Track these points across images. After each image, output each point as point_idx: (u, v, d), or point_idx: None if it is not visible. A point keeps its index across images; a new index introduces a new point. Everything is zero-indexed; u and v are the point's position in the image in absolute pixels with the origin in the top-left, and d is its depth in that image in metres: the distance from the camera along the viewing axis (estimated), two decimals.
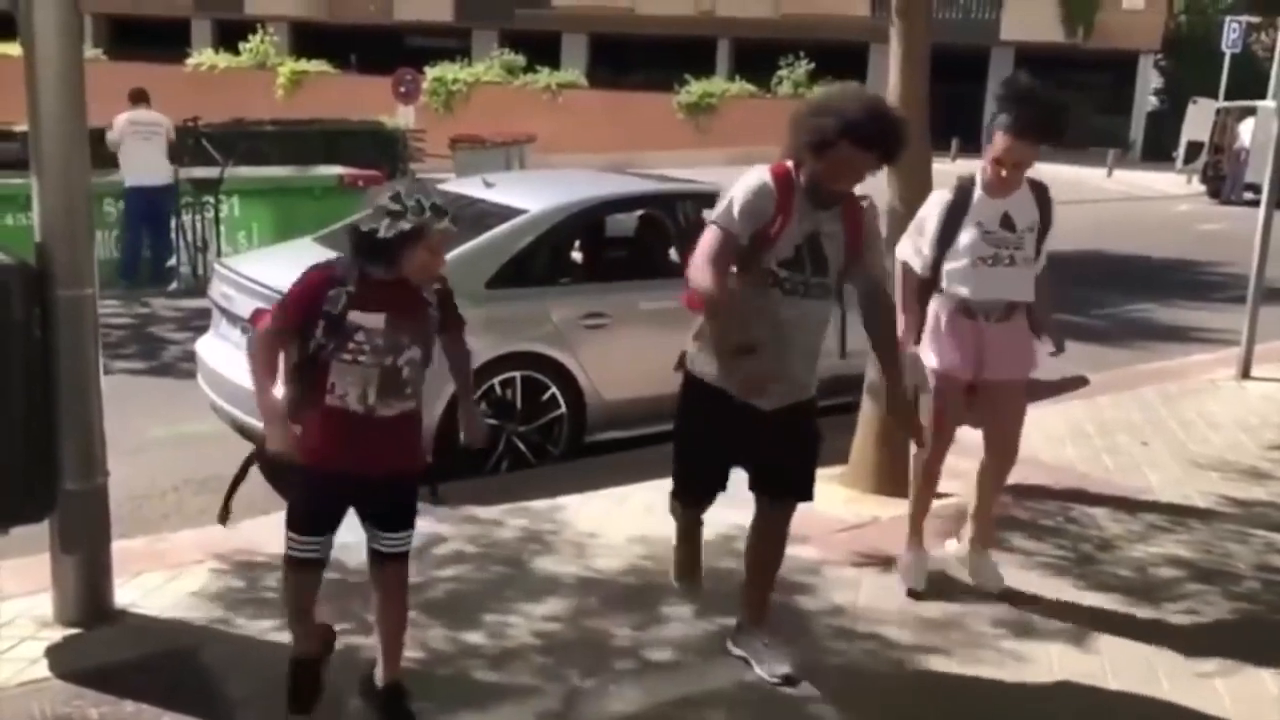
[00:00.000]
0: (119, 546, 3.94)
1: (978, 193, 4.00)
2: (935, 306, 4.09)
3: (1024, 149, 3.84)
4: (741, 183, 3.35)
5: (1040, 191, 4.06)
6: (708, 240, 3.30)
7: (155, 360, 7.99)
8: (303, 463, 2.94)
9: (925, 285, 4.09)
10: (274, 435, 2.91)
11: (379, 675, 3.23)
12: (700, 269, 3.24)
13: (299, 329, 2.87)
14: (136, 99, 10.84)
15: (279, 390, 2.95)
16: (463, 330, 3.19)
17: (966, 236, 3.96)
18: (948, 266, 4.02)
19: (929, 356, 4.09)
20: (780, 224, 3.28)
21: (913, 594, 4.18)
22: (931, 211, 4.06)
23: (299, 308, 2.87)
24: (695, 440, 3.57)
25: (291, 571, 3.10)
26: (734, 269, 3.31)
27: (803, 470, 3.59)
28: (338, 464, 2.93)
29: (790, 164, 3.36)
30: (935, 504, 4.44)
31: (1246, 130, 21.35)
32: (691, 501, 3.73)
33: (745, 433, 3.45)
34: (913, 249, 4.11)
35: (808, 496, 3.62)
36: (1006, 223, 3.97)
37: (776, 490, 3.61)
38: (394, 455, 2.99)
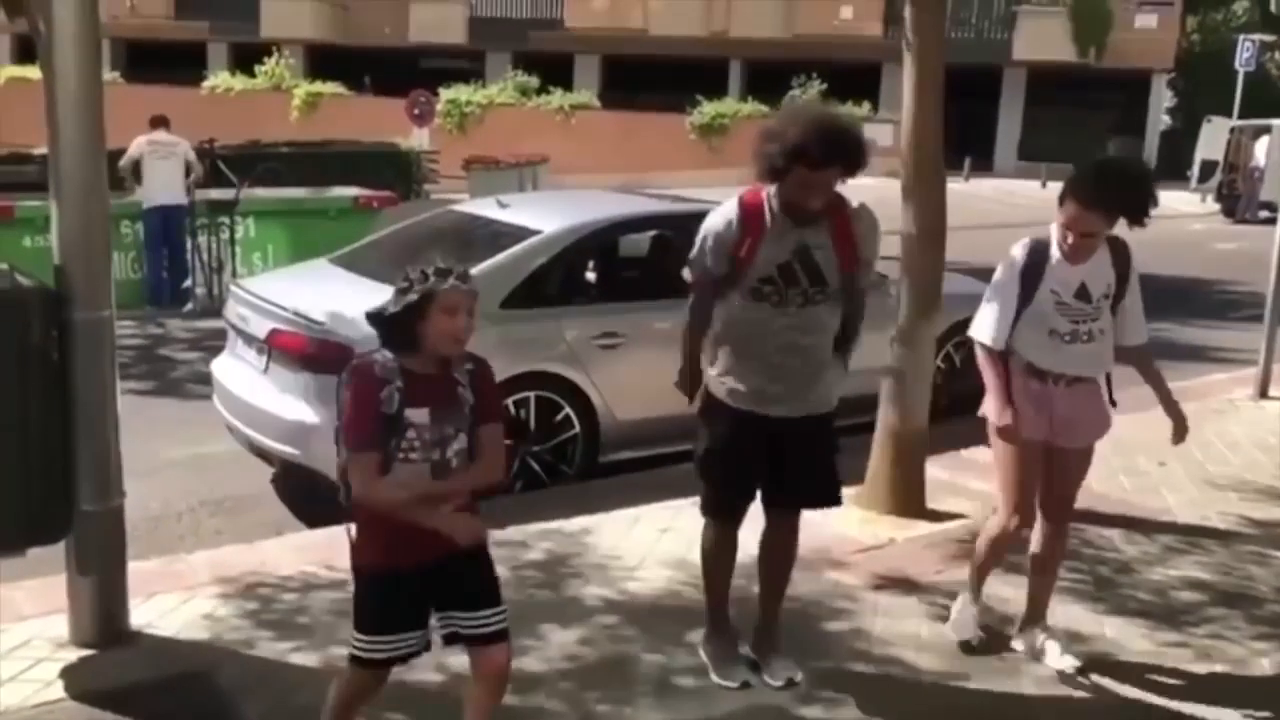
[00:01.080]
0: (134, 568, 3.94)
1: (1054, 254, 3.67)
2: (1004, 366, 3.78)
3: (1094, 220, 3.55)
4: (707, 221, 3.57)
5: (1119, 250, 3.74)
6: (691, 291, 3.64)
7: (171, 381, 8.02)
8: (372, 566, 2.81)
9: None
10: (455, 524, 2.75)
11: None
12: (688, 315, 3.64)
13: (379, 446, 2.70)
14: (155, 125, 11.00)
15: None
16: (498, 426, 2.92)
17: (1041, 305, 3.67)
18: (1020, 333, 3.72)
19: (998, 415, 3.72)
20: (750, 246, 3.42)
21: (966, 646, 3.98)
22: (1007, 278, 3.72)
23: (369, 420, 2.69)
24: (720, 456, 3.64)
25: (357, 672, 2.90)
26: (733, 294, 3.50)
27: (823, 478, 3.64)
28: (395, 564, 2.77)
29: (764, 190, 3.50)
30: (945, 527, 4.36)
31: (1261, 149, 21.28)
32: (725, 517, 3.74)
33: (761, 444, 3.55)
34: (991, 324, 3.74)
35: (834, 501, 3.71)
36: (1083, 293, 3.67)
37: (786, 500, 3.68)
38: (444, 542, 2.76)
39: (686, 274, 3.67)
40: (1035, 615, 3.99)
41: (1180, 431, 3.89)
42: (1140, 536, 5.08)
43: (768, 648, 3.77)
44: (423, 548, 2.72)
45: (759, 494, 3.68)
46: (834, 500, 3.71)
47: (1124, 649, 4.04)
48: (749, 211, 3.48)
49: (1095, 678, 3.81)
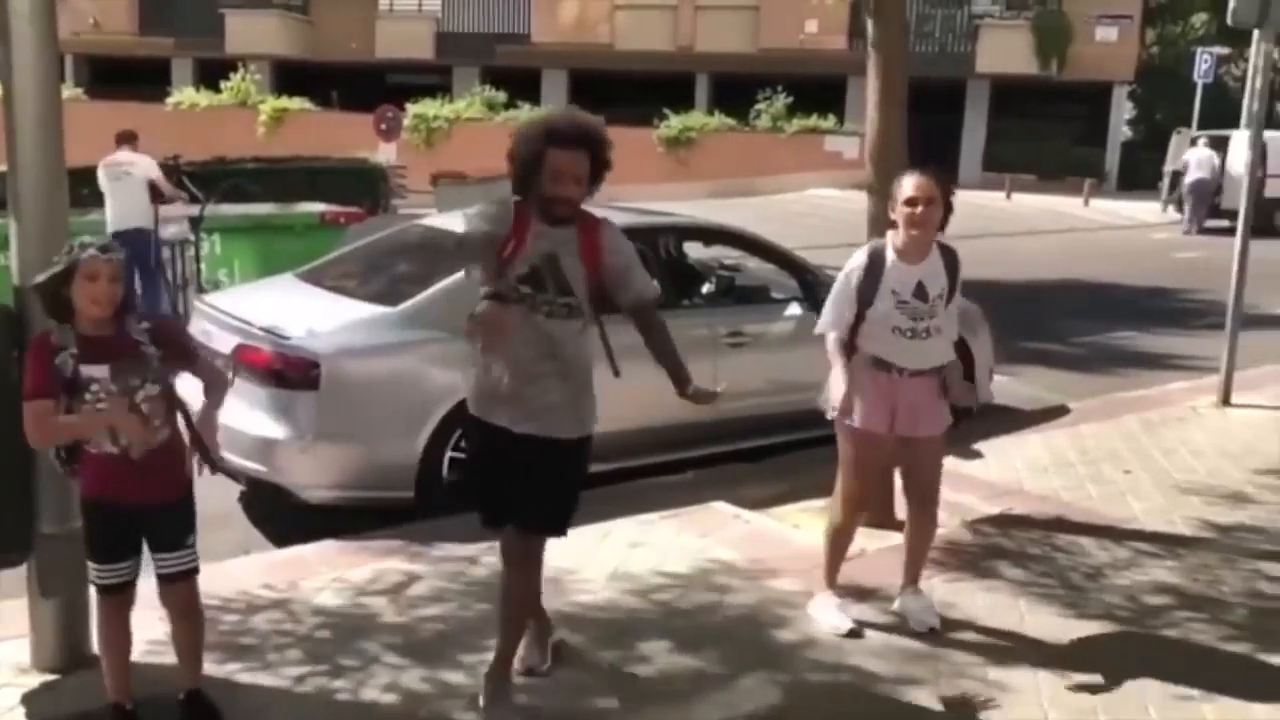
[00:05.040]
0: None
1: (890, 257, 4.03)
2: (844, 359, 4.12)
3: (924, 184, 3.93)
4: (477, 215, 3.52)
5: (950, 256, 4.09)
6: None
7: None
8: (86, 498, 3.28)
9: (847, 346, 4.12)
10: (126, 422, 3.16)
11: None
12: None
13: (51, 395, 3.13)
14: (120, 140, 10.46)
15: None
16: (196, 354, 3.45)
17: (883, 304, 4.00)
18: (865, 330, 4.06)
19: (842, 406, 4.08)
20: (514, 247, 3.40)
21: (853, 634, 4.13)
22: (845, 281, 4.09)
23: (40, 375, 3.13)
24: (475, 462, 3.72)
25: (101, 597, 3.33)
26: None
27: (548, 505, 3.53)
28: (112, 498, 3.22)
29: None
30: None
31: (1196, 159, 21.09)
32: (496, 527, 3.64)
33: (498, 454, 3.51)
34: (829, 319, 4.12)
35: (555, 531, 3.57)
36: (920, 292, 4.00)
37: (518, 520, 3.54)
38: (156, 487, 3.24)
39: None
40: (908, 580, 4.34)
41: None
42: (1109, 543, 5.12)
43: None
44: (130, 486, 3.19)
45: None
46: (550, 529, 3.58)
47: (1092, 652, 4.06)
48: (519, 211, 3.45)
49: (1062, 681, 3.83)
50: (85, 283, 3.09)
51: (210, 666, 3.73)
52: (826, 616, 4.22)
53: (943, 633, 4.17)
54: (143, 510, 3.24)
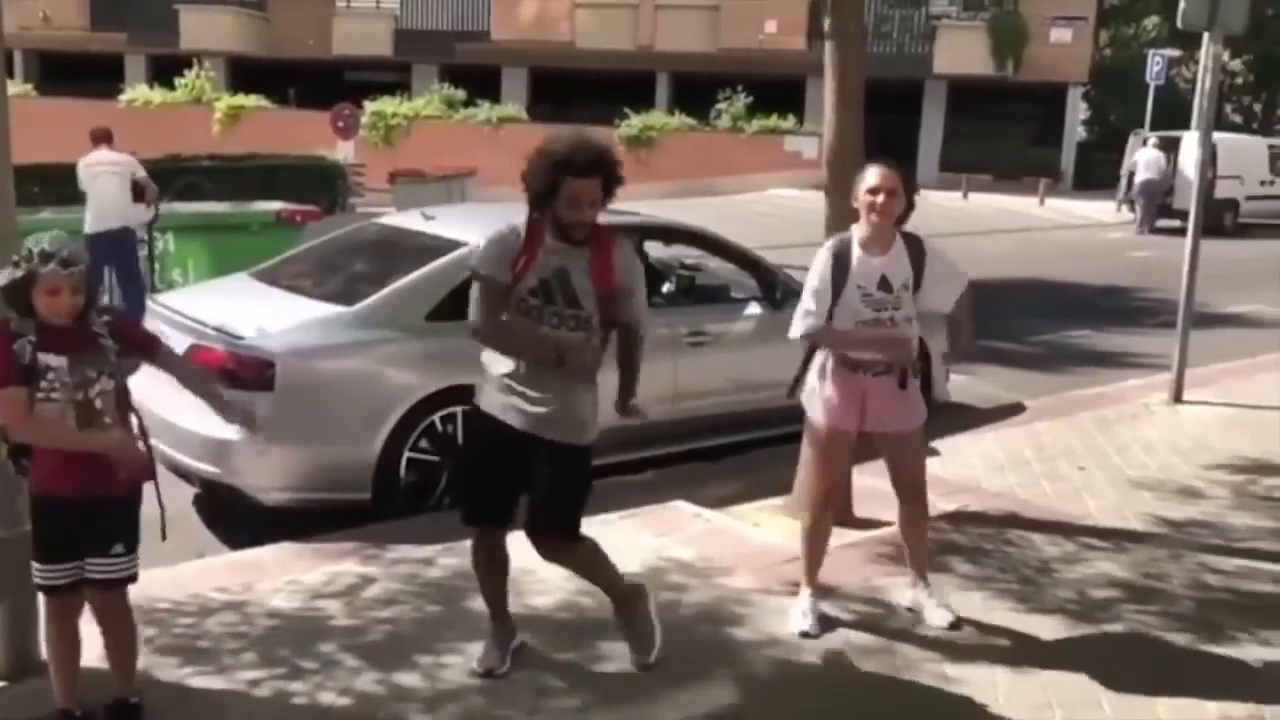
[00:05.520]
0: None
1: (856, 252, 4.08)
2: (819, 359, 4.19)
3: (885, 175, 4.00)
4: (494, 233, 3.69)
5: (914, 245, 4.13)
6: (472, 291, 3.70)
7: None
8: (35, 494, 3.23)
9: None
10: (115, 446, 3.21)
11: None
12: (471, 310, 3.68)
13: (20, 382, 3.09)
14: (98, 140, 10.09)
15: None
16: (155, 343, 3.48)
17: (847, 299, 4.05)
18: (833, 325, 4.10)
19: (814, 410, 4.19)
20: (525, 262, 3.58)
21: (806, 635, 4.13)
22: (819, 280, 4.11)
23: (5, 364, 3.08)
24: (474, 462, 3.84)
25: (48, 599, 3.29)
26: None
27: (556, 505, 3.69)
28: (58, 491, 3.18)
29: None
30: (872, 534, 4.47)
31: (1144, 160, 21.38)
32: (478, 524, 3.80)
33: (498, 451, 3.67)
34: (801, 323, 4.14)
35: (565, 528, 3.73)
36: (884, 284, 4.06)
37: (530, 522, 3.73)
38: (102, 479, 3.17)
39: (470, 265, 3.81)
40: (917, 575, 4.37)
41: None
42: (1061, 538, 5.18)
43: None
44: (77, 480, 3.13)
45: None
46: (557, 527, 3.74)
47: (1044, 644, 4.11)
48: (531, 228, 3.63)
49: (1015, 674, 3.88)
50: (44, 296, 3.07)
51: (163, 670, 3.70)
52: (801, 618, 4.19)
53: (900, 629, 4.20)
54: (89, 506, 3.19)
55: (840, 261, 4.07)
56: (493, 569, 3.84)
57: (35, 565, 3.27)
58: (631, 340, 3.82)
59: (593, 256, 3.62)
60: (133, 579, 3.31)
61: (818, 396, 4.18)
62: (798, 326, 4.16)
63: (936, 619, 4.23)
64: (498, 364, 3.68)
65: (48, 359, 3.09)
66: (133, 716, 3.40)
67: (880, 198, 3.99)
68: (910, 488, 4.30)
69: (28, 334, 3.09)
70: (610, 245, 3.66)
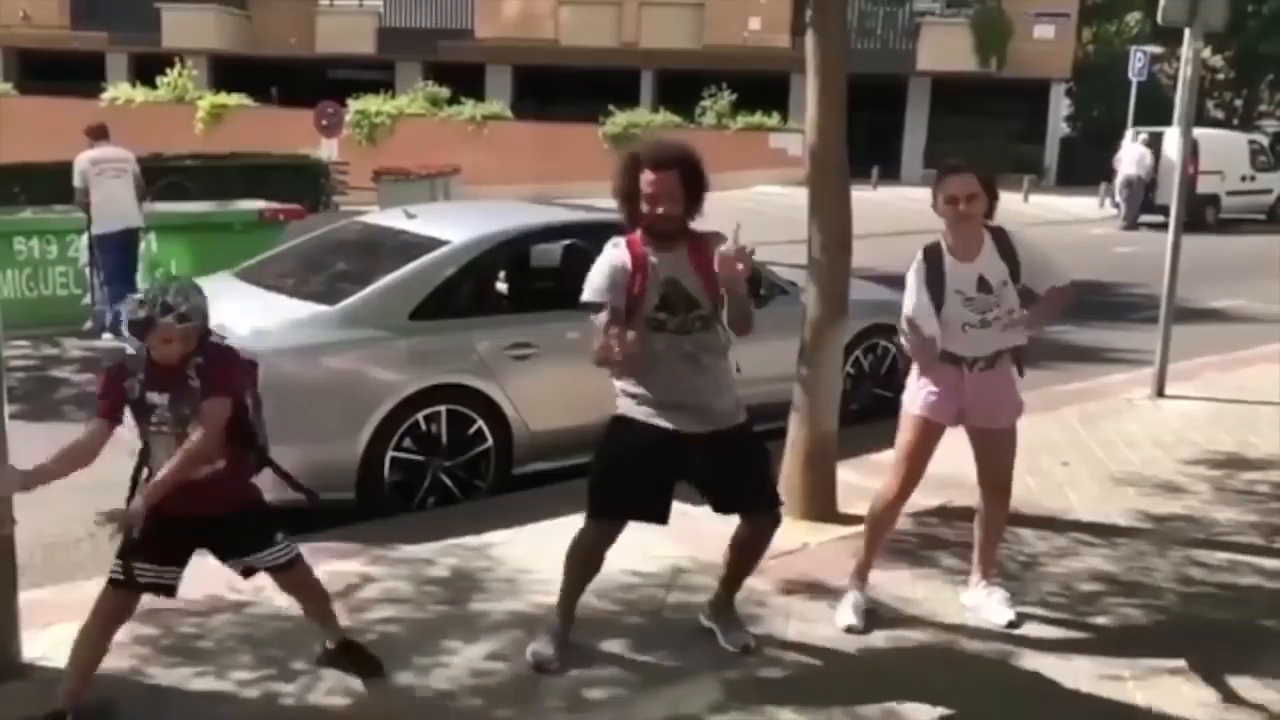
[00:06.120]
0: (28, 597, 3.82)
1: (948, 259, 4.04)
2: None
3: (966, 180, 3.98)
4: (597, 263, 3.76)
5: (1001, 239, 4.06)
6: (594, 321, 3.72)
7: (68, 401, 7.76)
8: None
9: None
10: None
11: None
12: (594, 338, 3.66)
13: (112, 416, 3.37)
14: (96, 136, 9.91)
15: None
16: (213, 400, 3.44)
17: (951, 306, 4.01)
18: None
19: (912, 402, 4.14)
20: (640, 281, 3.67)
21: (852, 630, 4.15)
22: (918, 291, 4.05)
23: (105, 399, 3.37)
24: (621, 466, 3.79)
25: (116, 592, 3.41)
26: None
27: (755, 484, 3.85)
28: (175, 513, 3.34)
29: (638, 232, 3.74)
30: (857, 530, 4.47)
31: (1127, 156, 21.46)
32: (611, 520, 3.84)
33: (669, 456, 3.71)
34: (914, 305, 4.06)
35: (776, 503, 3.94)
36: (983, 285, 4.01)
37: (742, 508, 3.88)
38: (215, 503, 3.42)
39: (585, 298, 3.80)
40: (984, 572, 4.38)
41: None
42: (1046, 532, 5.20)
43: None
44: (184, 509, 3.35)
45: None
46: (770, 505, 3.92)
47: (1030, 638, 4.13)
48: (633, 250, 3.71)
49: (1002, 668, 3.90)
50: (157, 342, 3.30)
51: (164, 670, 3.71)
52: (842, 607, 4.25)
53: (885, 625, 4.21)
54: (206, 521, 3.41)
55: (934, 271, 4.02)
56: (597, 565, 3.90)
57: (136, 564, 3.36)
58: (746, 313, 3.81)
59: (691, 257, 3.70)
60: (291, 562, 3.56)
61: (916, 388, 4.14)
62: (905, 310, 4.08)
63: (998, 617, 4.23)
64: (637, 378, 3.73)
65: (153, 397, 3.34)
66: (361, 652, 3.70)
67: (962, 205, 3.96)
68: (998, 488, 4.27)
69: (137, 372, 3.34)
70: (704, 241, 3.72)
